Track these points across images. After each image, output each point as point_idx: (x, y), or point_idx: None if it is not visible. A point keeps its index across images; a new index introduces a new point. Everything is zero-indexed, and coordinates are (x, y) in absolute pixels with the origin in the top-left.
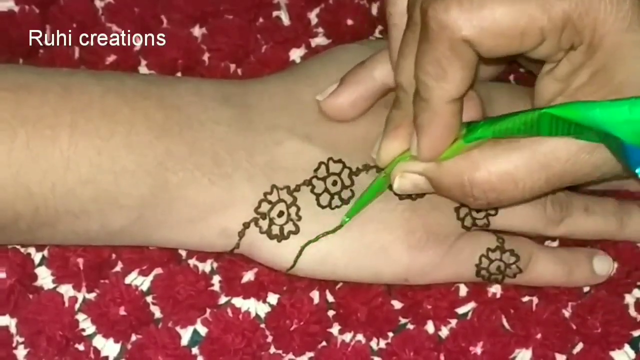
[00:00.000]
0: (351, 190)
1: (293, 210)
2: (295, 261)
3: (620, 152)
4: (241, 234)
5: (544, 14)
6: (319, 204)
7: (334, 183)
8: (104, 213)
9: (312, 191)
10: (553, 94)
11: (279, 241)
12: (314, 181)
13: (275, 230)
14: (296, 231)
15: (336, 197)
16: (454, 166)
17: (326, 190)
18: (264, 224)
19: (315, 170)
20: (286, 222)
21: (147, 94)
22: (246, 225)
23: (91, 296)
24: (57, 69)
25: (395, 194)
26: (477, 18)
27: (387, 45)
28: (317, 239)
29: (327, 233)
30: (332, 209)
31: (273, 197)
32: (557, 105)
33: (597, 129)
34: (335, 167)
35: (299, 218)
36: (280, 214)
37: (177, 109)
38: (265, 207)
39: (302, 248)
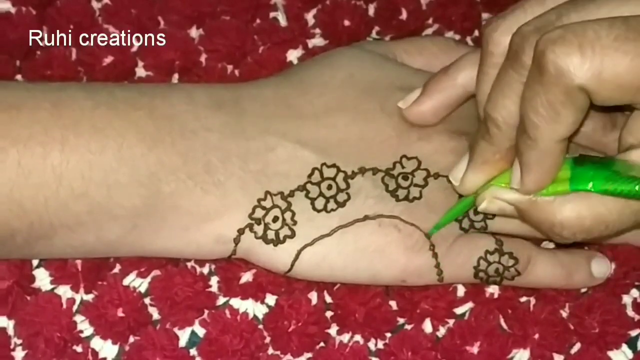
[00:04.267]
0: (347, 193)
1: (288, 215)
2: (293, 265)
3: None
4: (236, 240)
5: None
6: (314, 208)
7: (329, 187)
8: (98, 225)
9: (306, 196)
10: None
11: (275, 246)
12: (308, 186)
13: (271, 235)
14: (292, 235)
15: (332, 200)
16: (547, 206)
17: (321, 194)
18: (259, 229)
19: (309, 175)
20: (281, 227)
21: (138, 105)
22: (241, 232)
23: (89, 298)
24: (47, 84)
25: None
26: (598, 68)
27: (480, 69)
28: (313, 242)
29: (323, 236)
30: (328, 212)
31: (267, 203)
32: None
33: None
34: (329, 172)
35: (295, 222)
36: (275, 219)
37: (169, 119)
38: (259, 212)
39: (299, 252)
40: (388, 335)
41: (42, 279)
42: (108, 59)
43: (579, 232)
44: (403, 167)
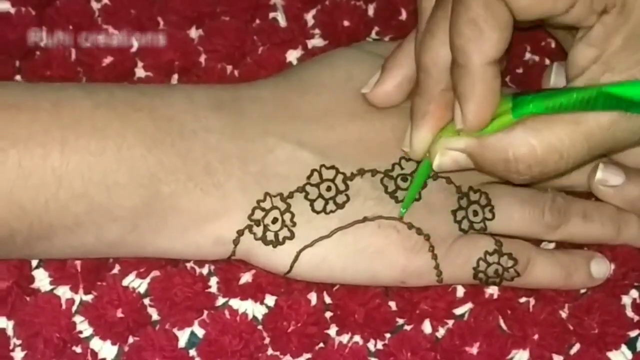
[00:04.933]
0: (346, 194)
1: (287, 216)
2: (292, 266)
3: None
4: (236, 242)
5: None
6: (313, 210)
7: (328, 189)
8: (98, 225)
9: (305, 197)
10: (588, 61)
11: (274, 247)
12: (307, 188)
13: (270, 236)
14: (291, 237)
15: (331, 202)
16: (497, 142)
17: (320, 196)
18: (258, 230)
19: (308, 177)
20: (281, 228)
21: (138, 106)
22: (240, 233)
23: (88, 298)
24: (47, 84)
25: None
26: None
27: (417, 28)
28: (312, 243)
29: (323, 238)
30: (327, 213)
31: (266, 205)
32: (616, 83)
33: None
34: (328, 174)
35: (294, 224)
36: (275, 220)
37: (169, 120)
38: (258, 214)
39: (298, 253)
40: (387, 335)
41: (42, 280)
42: (107, 60)
43: (533, 164)
44: (402, 169)
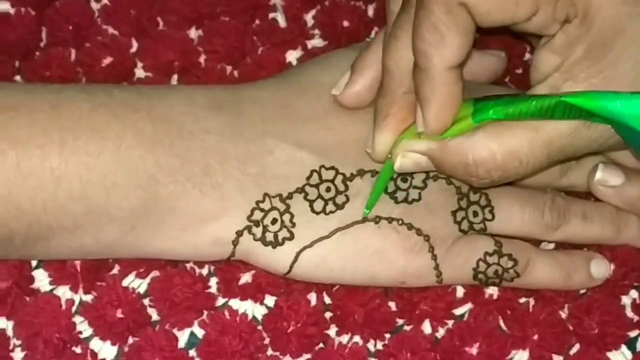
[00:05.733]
0: (345, 195)
1: (287, 217)
2: (291, 267)
3: (631, 137)
4: (235, 242)
5: None
6: (312, 210)
7: (328, 189)
8: (97, 226)
9: (305, 198)
10: (550, 68)
11: (273, 247)
12: (307, 188)
13: (270, 237)
14: (291, 237)
15: (330, 202)
16: (458, 146)
17: (320, 196)
18: (258, 231)
19: (308, 178)
20: (280, 229)
21: (137, 107)
22: (239, 234)
23: (88, 298)
24: (45, 85)
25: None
26: None
27: (385, 29)
28: (312, 244)
29: (322, 238)
30: (327, 214)
31: (265, 205)
32: (576, 94)
33: (612, 118)
34: (327, 174)
35: (293, 225)
36: (274, 221)
37: (167, 121)
38: (257, 215)
39: (298, 254)
40: (387, 336)
41: (41, 280)
42: (107, 60)
43: (493, 169)
44: None
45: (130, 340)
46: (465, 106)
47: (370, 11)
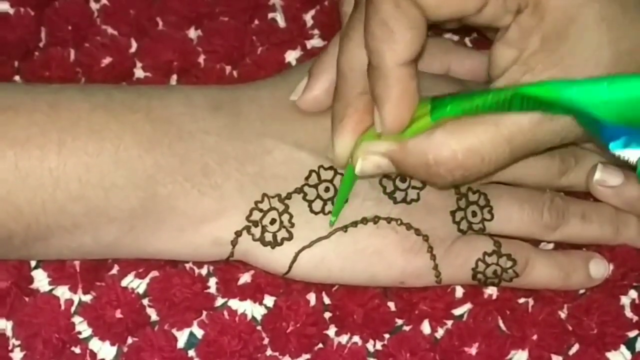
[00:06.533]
0: None
1: (285, 217)
2: (291, 267)
3: (592, 126)
4: (234, 243)
5: None
6: (311, 210)
7: (327, 189)
8: (96, 227)
9: (304, 198)
10: (507, 62)
11: (272, 248)
12: (306, 188)
13: (269, 237)
14: (289, 237)
15: (329, 202)
16: (417, 146)
17: (318, 196)
18: (257, 231)
19: (306, 178)
20: (279, 229)
21: (135, 107)
22: (238, 234)
23: (87, 299)
24: (44, 85)
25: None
26: None
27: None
28: (311, 244)
29: (321, 239)
30: (326, 214)
31: (264, 206)
32: (532, 84)
33: (571, 107)
34: (326, 174)
35: (292, 225)
36: (273, 221)
37: (166, 121)
38: (256, 215)
39: (297, 254)
40: (386, 336)
41: (41, 280)
42: (106, 60)
43: (455, 168)
44: None
45: (130, 340)
46: (423, 104)
47: None
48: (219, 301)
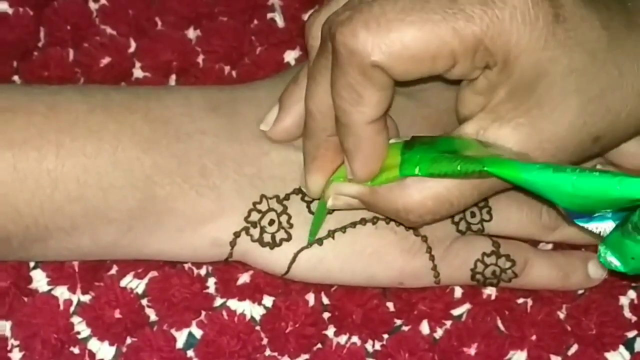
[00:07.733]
0: None
1: (284, 218)
2: (289, 267)
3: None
4: (233, 243)
5: (455, 37)
6: (310, 211)
7: None
8: (94, 228)
9: (302, 199)
10: (475, 106)
11: (271, 248)
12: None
13: (267, 238)
14: (288, 238)
15: None
16: (387, 193)
17: None
18: (255, 232)
19: None
20: (278, 230)
21: (133, 108)
22: (237, 235)
23: (86, 299)
24: (43, 87)
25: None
26: (386, 42)
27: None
28: (309, 245)
29: (320, 239)
30: None
31: (263, 207)
32: (498, 161)
33: (535, 190)
34: None
35: (291, 225)
36: (271, 222)
37: (164, 122)
38: (255, 216)
39: (296, 254)
40: (385, 336)
41: (39, 280)
42: (105, 60)
43: (424, 214)
44: None
45: (128, 340)
46: (394, 151)
47: None
48: (218, 301)
